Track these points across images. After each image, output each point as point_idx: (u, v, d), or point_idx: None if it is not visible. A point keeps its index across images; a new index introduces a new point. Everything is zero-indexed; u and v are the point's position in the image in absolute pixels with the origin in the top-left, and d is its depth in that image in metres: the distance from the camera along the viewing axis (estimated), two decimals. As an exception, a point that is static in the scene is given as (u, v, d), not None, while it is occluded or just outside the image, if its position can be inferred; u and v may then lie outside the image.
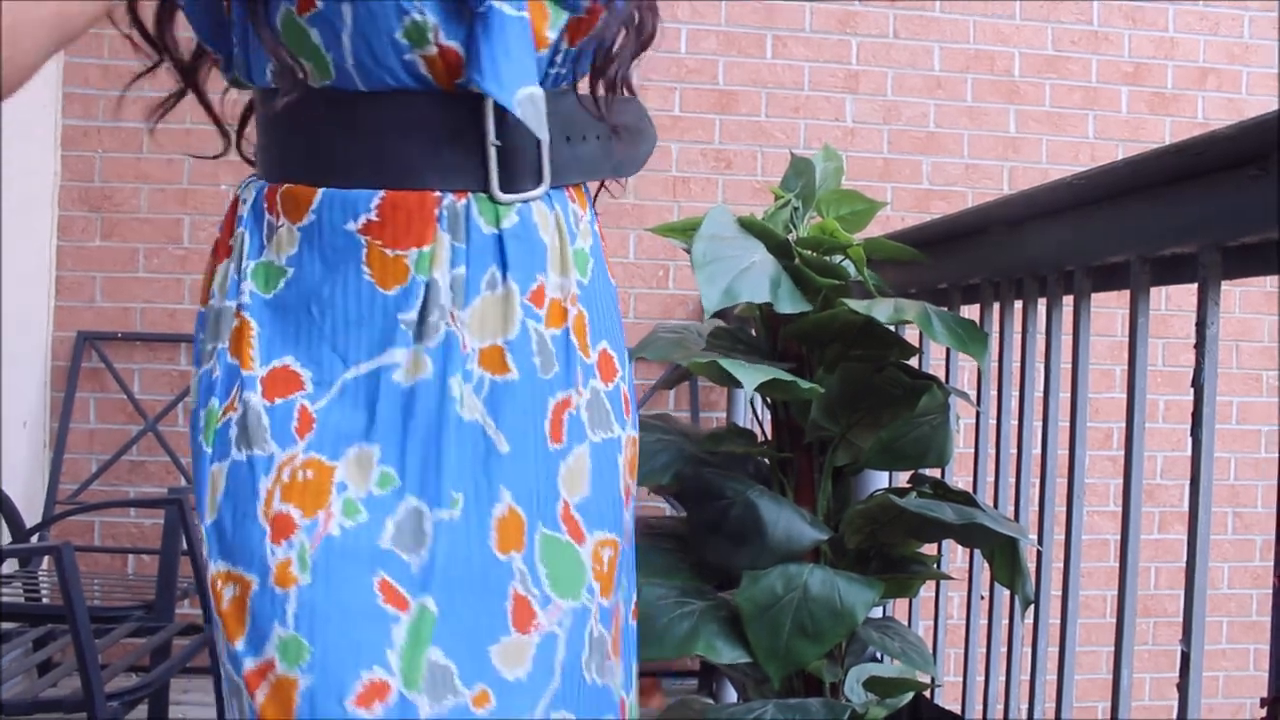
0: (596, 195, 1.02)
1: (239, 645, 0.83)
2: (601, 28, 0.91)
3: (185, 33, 0.96)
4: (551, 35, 0.88)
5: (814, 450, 1.50)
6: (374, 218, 0.88)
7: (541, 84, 0.88)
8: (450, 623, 0.83)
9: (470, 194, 0.89)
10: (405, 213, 0.88)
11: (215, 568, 0.85)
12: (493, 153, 0.89)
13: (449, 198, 0.88)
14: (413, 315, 0.87)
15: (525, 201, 0.91)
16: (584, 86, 0.96)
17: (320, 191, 0.89)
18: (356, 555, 0.83)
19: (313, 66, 0.87)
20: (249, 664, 0.83)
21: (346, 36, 0.84)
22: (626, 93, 0.98)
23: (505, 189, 0.89)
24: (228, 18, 0.93)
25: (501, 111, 0.86)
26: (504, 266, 0.89)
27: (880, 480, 1.84)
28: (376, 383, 0.88)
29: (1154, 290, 1.25)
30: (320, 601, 0.81)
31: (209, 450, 0.88)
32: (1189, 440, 1.11)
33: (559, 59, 0.91)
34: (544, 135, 0.87)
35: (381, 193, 0.88)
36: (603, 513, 0.94)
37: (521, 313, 0.90)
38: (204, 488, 0.88)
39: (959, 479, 1.65)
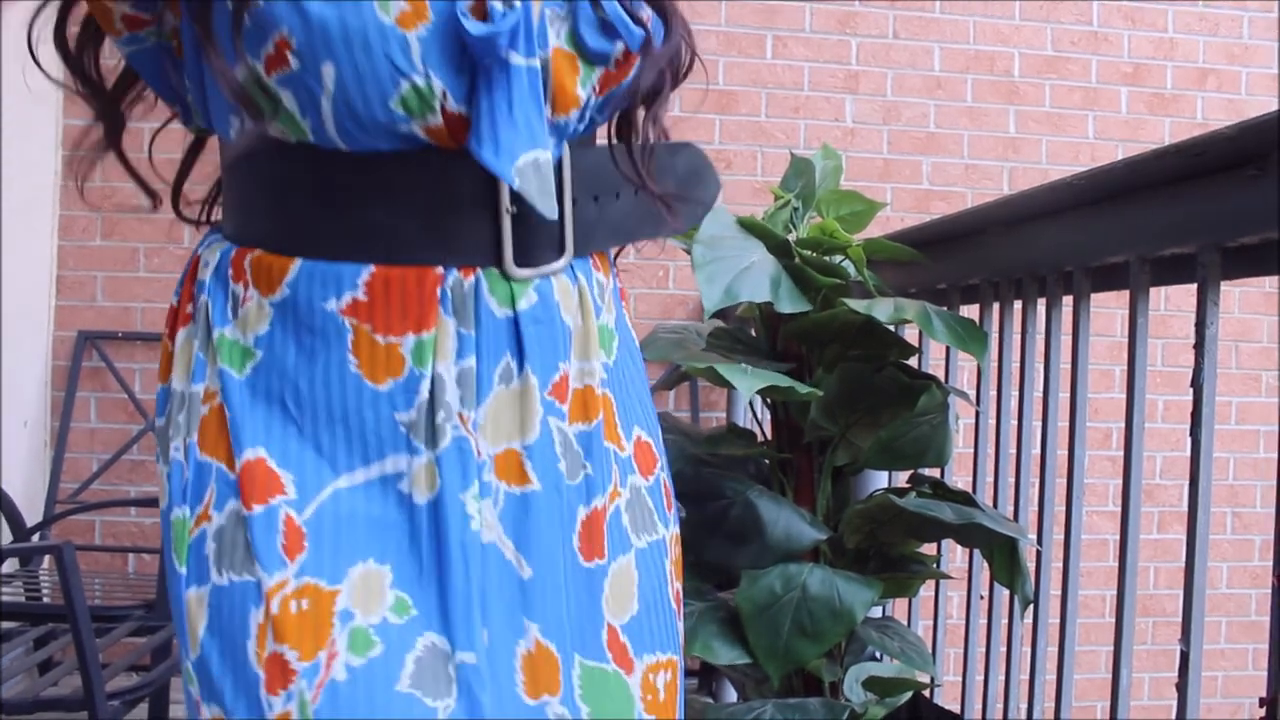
0: (618, 254, 0.88)
1: None
2: (637, 75, 0.77)
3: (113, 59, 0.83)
4: (582, 94, 0.73)
5: (813, 450, 1.50)
6: (361, 297, 0.72)
7: (570, 138, 0.76)
8: None
9: (479, 270, 0.73)
10: (400, 292, 0.72)
11: (207, 711, 0.71)
12: (507, 221, 0.73)
13: (454, 274, 0.73)
14: (412, 415, 0.72)
15: (545, 276, 0.75)
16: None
17: (297, 262, 0.73)
18: (371, 703, 0.67)
19: (285, 129, 0.72)
20: None
21: (327, 102, 0.69)
22: (662, 137, 0.83)
23: (521, 263, 0.74)
24: (178, 58, 0.79)
25: None
26: (520, 356, 0.74)
27: (880, 480, 1.84)
28: (376, 495, 0.72)
29: (1154, 290, 1.25)
30: None
31: (183, 571, 0.73)
32: (1188, 440, 1.11)
33: (587, 113, 0.76)
34: (549, 210, 0.71)
35: (371, 268, 0.72)
36: (654, 630, 0.80)
37: (542, 410, 0.75)
38: (182, 618, 0.72)
39: (958, 479, 1.65)
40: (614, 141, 0.81)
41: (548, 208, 0.71)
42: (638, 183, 0.79)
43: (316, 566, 0.70)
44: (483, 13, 0.68)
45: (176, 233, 3.14)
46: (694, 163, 0.89)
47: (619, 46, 0.73)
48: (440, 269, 0.72)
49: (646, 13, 0.76)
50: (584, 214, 0.78)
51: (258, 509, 0.71)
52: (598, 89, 0.75)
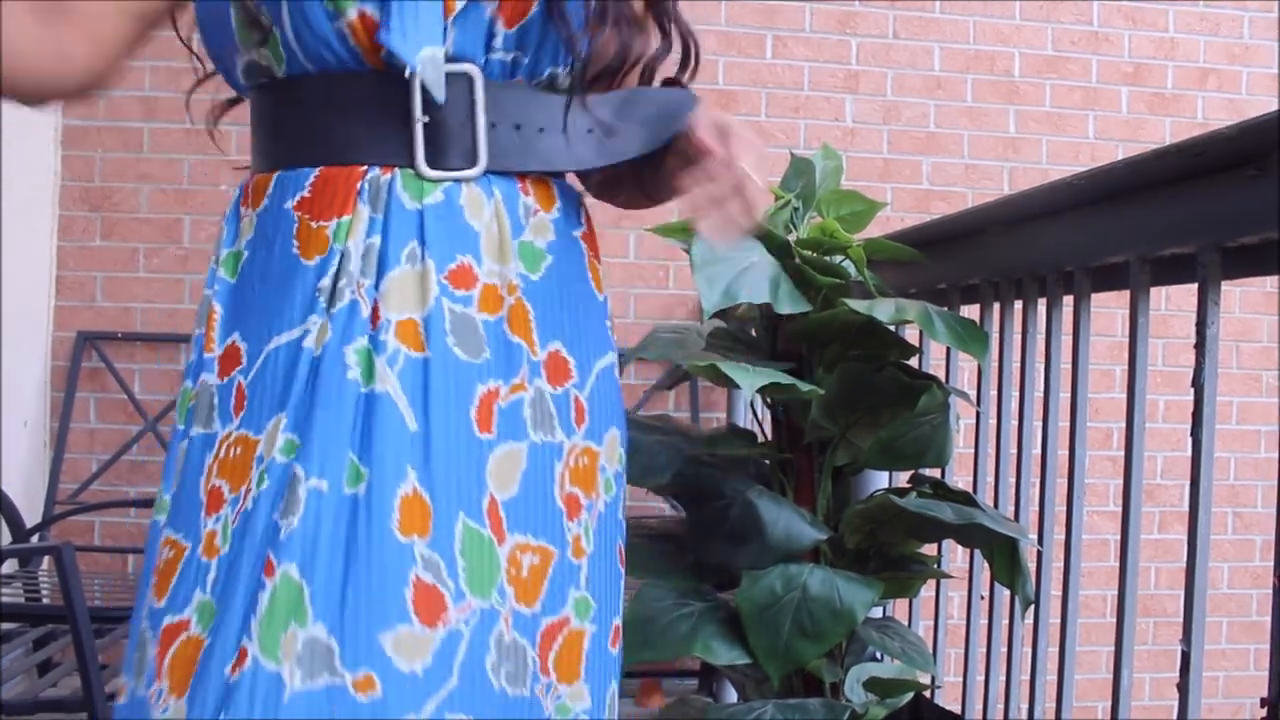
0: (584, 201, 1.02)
1: (162, 603, 0.88)
2: (554, 25, 0.93)
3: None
4: (458, 4, 0.90)
5: (814, 450, 1.50)
6: (306, 194, 0.92)
7: (485, 69, 0.92)
8: (331, 599, 0.82)
9: (397, 169, 0.91)
10: (332, 186, 0.91)
11: (165, 534, 0.91)
12: (419, 128, 0.90)
13: (374, 171, 0.91)
14: (325, 283, 0.89)
15: (456, 182, 0.92)
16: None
17: (274, 176, 0.94)
18: (256, 526, 0.85)
19: (270, 56, 0.93)
20: (168, 619, 0.87)
21: (285, 11, 0.89)
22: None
23: (432, 165, 0.91)
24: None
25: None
26: (423, 243, 0.90)
27: (880, 480, 1.84)
28: (292, 352, 0.89)
29: (1154, 290, 1.25)
30: (230, 572, 0.85)
31: (181, 428, 0.95)
32: (1189, 440, 1.11)
33: (496, 42, 0.92)
34: (440, 95, 0.89)
35: (318, 169, 0.92)
36: (530, 517, 0.91)
37: (438, 290, 0.90)
38: (171, 461, 0.95)
39: (959, 479, 1.65)
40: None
41: (438, 94, 0.89)
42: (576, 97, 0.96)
43: (248, 421, 0.89)
44: None
45: (176, 233, 3.14)
46: (669, 104, 0.99)
47: None
48: (365, 167, 0.91)
49: None
50: (501, 137, 0.93)
51: (223, 380, 0.92)
52: (504, 19, 0.91)
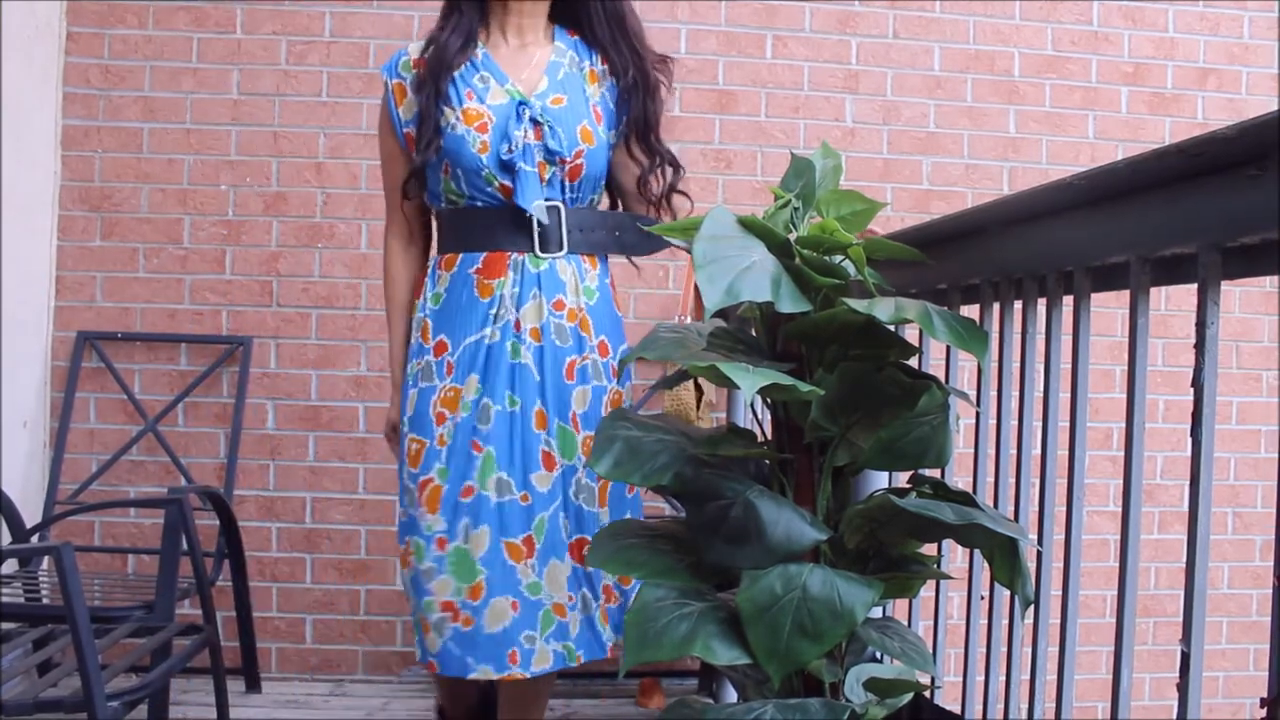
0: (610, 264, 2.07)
1: (417, 469, 1.88)
2: (588, 166, 1.95)
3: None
4: (546, 175, 1.91)
5: (814, 450, 1.50)
6: (480, 266, 1.92)
7: (566, 204, 1.93)
8: (507, 460, 1.86)
9: (526, 254, 1.91)
10: (495, 263, 1.91)
11: (410, 436, 1.91)
12: (536, 232, 1.91)
13: (514, 255, 1.91)
14: (494, 311, 1.90)
15: (553, 259, 1.92)
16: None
17: (460, 255, 1.94)
18: (463, 429, 1.87)
19: (456, 196, 1.94)
20: (422, 476, 1.87)
21: (464, 184, 1.93)
22: (664, 207, 2.03)
23: (543, 251, 1.91)
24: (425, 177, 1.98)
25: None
26: (539, 288, 1.91)
27: (880, 480, 1.84)
28: (478, 344, 1.89)
29: (1154, 290, 1.25)
30: (452, 451, 1.87)
31: (408, 384, 1.96)
32: (1189, 440, 1.11)
33: (566, 190, 1.94)
34: (545, 220, 1.91)
35: (485, 254, 1.92)
36: (591, 422, 1.90)
37: (548, 312, 1.91)
38: (405, 401, 1.95)
39: (959, 479, 1.65)
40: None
41: (545, 220, 1.92)
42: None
43: (457, 378, 1.89)
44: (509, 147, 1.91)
45: (176, 233, 3.14)
46: (646, 235, 1.96)
47: (567, 157, 1.92)
48: (510, 253, 1.91)
49: (581, 144, 1.94)
50: (573, 236, 1.94)
51: (438, 358, 1.92)
52: (568, 176, 1.92)
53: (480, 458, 1.82)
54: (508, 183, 1.86)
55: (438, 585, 1.82)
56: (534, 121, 1.88)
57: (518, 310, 1.86)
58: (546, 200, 1.88)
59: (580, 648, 1.85)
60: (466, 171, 1.88)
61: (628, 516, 1.87)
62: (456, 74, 1.90)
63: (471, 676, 1.82)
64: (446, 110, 1.89)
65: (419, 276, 2.01)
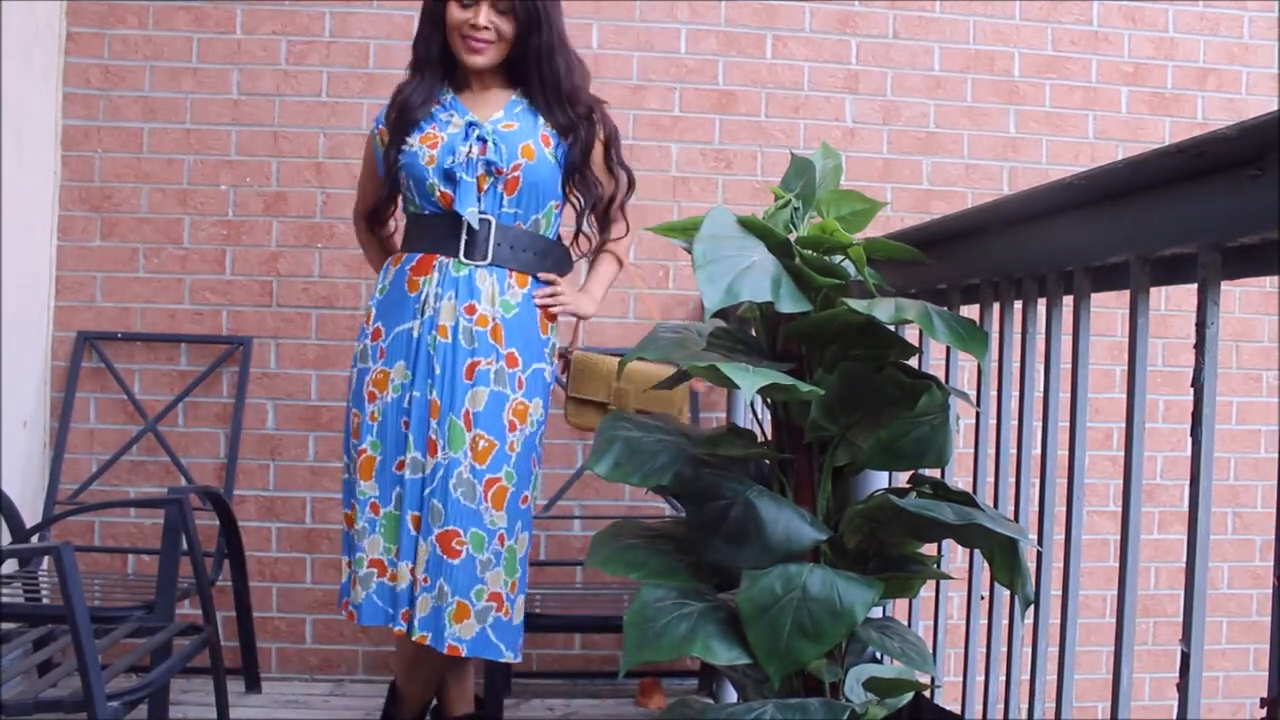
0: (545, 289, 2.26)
1: (357, 440, 2.16)
2: (528, 188, 2.17)
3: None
4: (485, 187, 2.14)
5: (814, 450, 1.50)
6: (414, 264, 2.17)
7: (499, 218, 2.15)
8: (417, 435, 2.11)
9: (451, 258, 2.14)
10: (425, 263, 2.16)
11: (352, 410, 2.18)
12: (463, 240, 2.14)
13: (441, 258, 2.15)
14: (419, 305, 2.14)
15: (475, 266, 2.14)
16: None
17: (405, 254, 2.20)
18: (393, 408, 2.13)
19: (413, 205, 2.21)
20: (359, 446, 2.15)
21: (415, 193, 2.19)
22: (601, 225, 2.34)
23: (467, 257, 2.14)
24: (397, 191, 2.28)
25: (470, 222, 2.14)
26: (456, 292, 2.13)
27: (880, 480, 1.84)
28: (407, 334, 2.14)
29: (1154, 290, 1.25)
30: (382, 427, 2.13)
31: (354, 362, 2.21)
32: (1189, 440, 1.11)
33: (505, 204, 2.15)
34: (476, 226, 2.13)
35: (420, 254, 2.17)
36: (486, 423, 2.11)
37: (459, 315, 2.12)
38: (351, 376, 2.22)
39: (959, 479, 1.65)
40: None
41: (476, 226, 2.14)
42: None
43: (387, 363, 2.15)
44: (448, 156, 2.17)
45: (176, 233, 3.14)
46: (567, 257, 2.31)
47: (505, 168, 2.14)
48: (439, 256, 2.16)
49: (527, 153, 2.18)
50: (500, 250, 2.16)
51: (373, 343, 2.18)
52: (506, 190, 2.15)
53: (409, 435, 2.10)
54: (449, 191, 2.11)
55: (370, 543, 2.11)
56: (480, 139, 2.12)
57: (436, 307, 2.10)
58: (481, 212, 2.11)
59: (425, 629, 2.04)
60: (416, 181, 2.15)
61: (519, 525, 2.12)
62: (423, 119, 2.19)
63: (397, 630, 2.09)
64: (409, 137, 2.17)
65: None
